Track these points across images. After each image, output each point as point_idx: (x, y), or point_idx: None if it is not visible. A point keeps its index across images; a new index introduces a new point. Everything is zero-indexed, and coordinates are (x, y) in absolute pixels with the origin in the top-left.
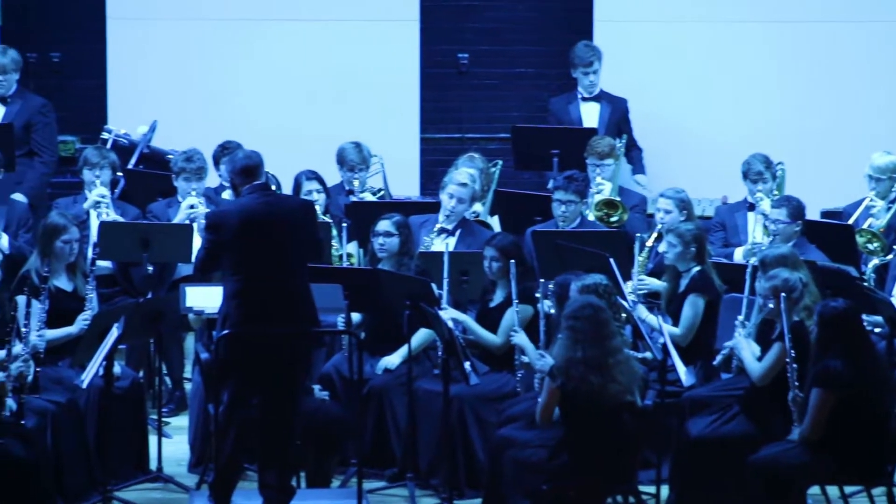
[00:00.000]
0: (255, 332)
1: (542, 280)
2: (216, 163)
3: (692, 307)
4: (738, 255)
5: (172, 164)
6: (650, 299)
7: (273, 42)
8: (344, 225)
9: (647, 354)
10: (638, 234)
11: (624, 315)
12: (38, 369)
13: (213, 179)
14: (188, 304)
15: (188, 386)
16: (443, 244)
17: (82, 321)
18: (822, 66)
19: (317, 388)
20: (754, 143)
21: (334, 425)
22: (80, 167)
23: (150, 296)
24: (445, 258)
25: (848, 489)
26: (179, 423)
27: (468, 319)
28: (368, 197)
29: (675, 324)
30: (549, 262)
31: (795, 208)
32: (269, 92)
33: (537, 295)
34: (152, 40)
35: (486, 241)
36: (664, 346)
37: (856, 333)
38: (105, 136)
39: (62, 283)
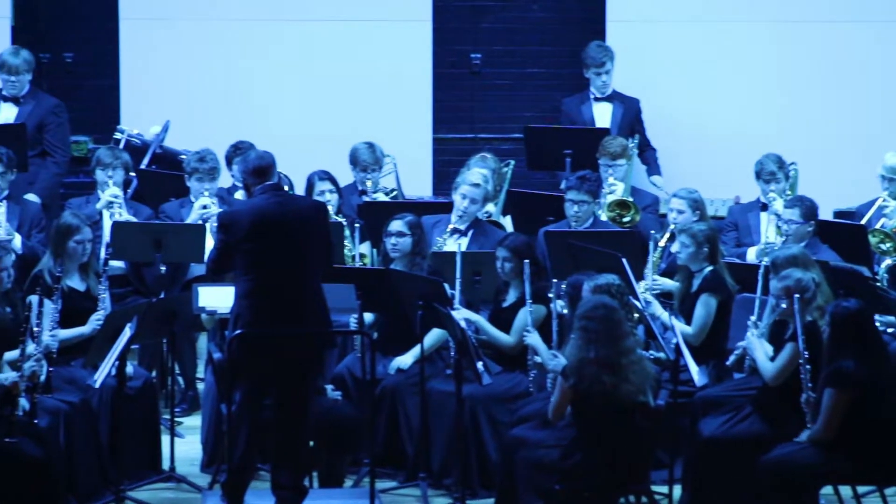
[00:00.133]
0: (268, 332)
1: (554, 280)
2: (229, 163)
3: (704, 307)
4: (751, 254)
5: (185, 165)
6: (663, 299)
7: (286, 42)
8: (357, 225)
9: (660, 354)
10: (652, 231)
11: (636, 315)
12: (50, 369)
13: (225, 179)
14: (201, 303)
15: (201, 386)
16: (455, 244)
17: (95, 321)
18: (835, 66)
19: (329, 388)
20: (767, 143)
21: (347, 425)
22: (93, 167)
23: (162, 296)
24: (458, 258)
25: (861, 489)
26: (192, 423)
27: (481, 319)
28: (381, 197)
29: (688, 324)
30: (562, 262)
31: (808, 208)
32: (281, 92)
33: (550, 295)
34: (165, 40)
35: (498, 241)
36: (677, 346)
37: (868, 333)
38: (118, 136)
39: (75, 282)
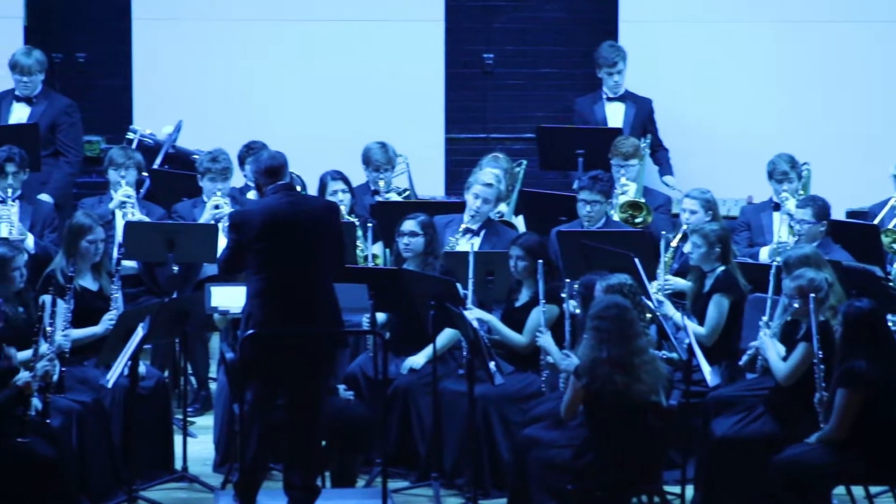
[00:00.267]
0: (281, 331)
1: (567, 280)
2: (241, 163)
3: (717, 307)
4: (764, 254)
5: (198, 165)
6: (675, 299)
7: (299, 42)
8: (370, 225)
9: (673, 354)
10: (663, 233)
11: (649, 315)
12: (63, 369)
13: (238, 179)
14: (213, 303)
15: (213, 386)
16: (468, 244)
17: (108, 321)
18: (848, 66)
19: (342, 387)
20: (780, 143)
21: (359, 425)
22: (106, 167)
23: (175, 296)
24: (471, 258)
25: (873, 489)
26: (204, 423)
27: (493, 319)
28: (394, 197)
29: (701, 324)
30: (575, 262)
31: (821, 208)
32: (294, 92)
33: (563, 295)
34: (178, 41)
35: (512, 240)
36: (689, 346)
37: (881, 333)
38: (130, 136)
39: (87, 282)
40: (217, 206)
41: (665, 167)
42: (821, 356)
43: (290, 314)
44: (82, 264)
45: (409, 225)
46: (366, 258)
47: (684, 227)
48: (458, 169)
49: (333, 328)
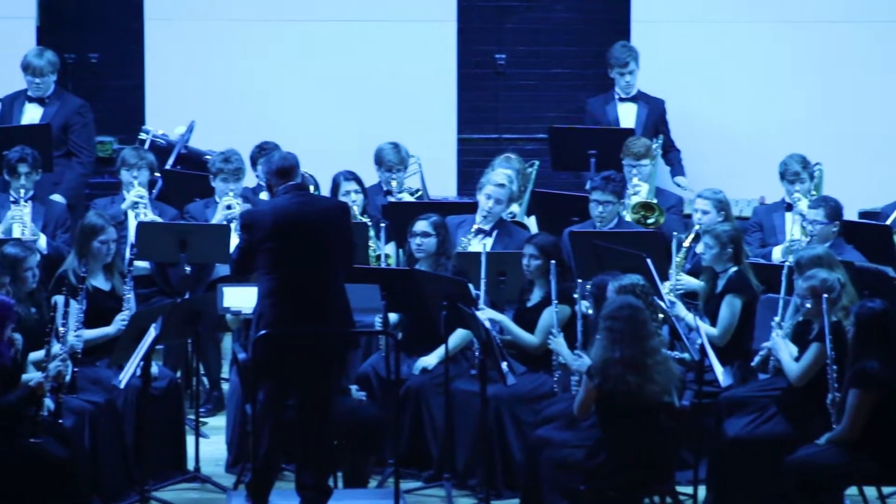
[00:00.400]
0: (293, 332)
1: (579, 280)
2: (253, 163)
3: (729, 307)
4: (777, 253)
5: (210, 165)
6: (687, 300)
7: (311, 43)
8: (383, 225)
9: (685, 355)
10: (675, 234)
11: (661, 316)
12: (75, 369)
13: (250, 180)
14: (226, 304)
15: (225, 386)
16: (480, 245)
17: (120, 321)
18: (861, 66)
19: (354, 388)
20: (792, 144)
21: (371, 425)
22: (118, 168)
23: (187, 296)
24: (483, 258)
25: (886, 490)
26: (217, 424)
27: (505, 319)
28: (406, 197)
29: (713, 324)
30: (587, 262)
31: (833, 209)
32: (307, 93)
33: (575, 296)
34: (190, 41)
35: (526, 239)
36: (701, 346)
37: (893, 334)
38: (143, 136)
39: (100, 282)
40: (229, 207)
41: (677, 168)
42: (833, 357)
43: (300, 314)
44: (94, 265)
45: (421, 225)
46: (378, 258)
47: (696, 227)
48: (470, 169)
49: (344, 328)
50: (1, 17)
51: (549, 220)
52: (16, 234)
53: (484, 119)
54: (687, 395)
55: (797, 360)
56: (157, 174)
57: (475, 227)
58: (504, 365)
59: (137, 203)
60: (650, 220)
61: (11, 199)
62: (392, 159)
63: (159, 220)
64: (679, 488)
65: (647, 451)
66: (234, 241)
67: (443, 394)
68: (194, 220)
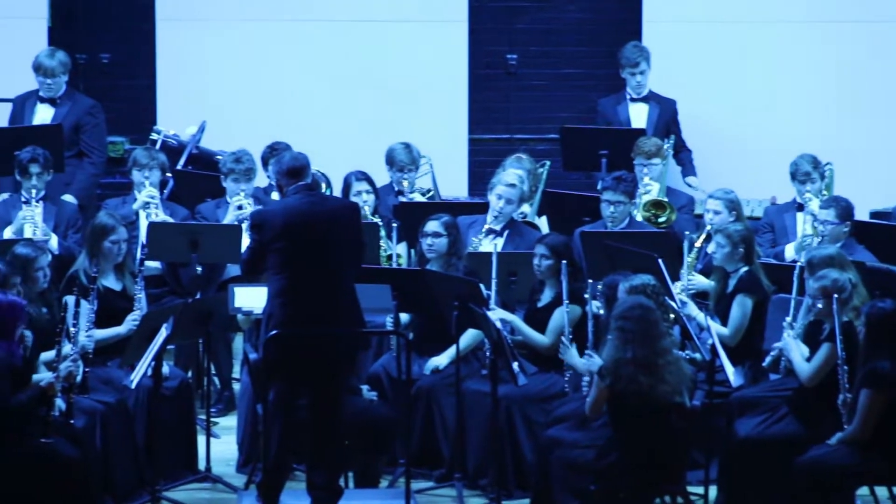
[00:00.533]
0: (304, 332)
1: (590, 281)
2: (265, 164)
3: (740, 307)
4: (790, 250)
5: (221, 165)
6: (698, 299)
7: (322, 43)
8: (394, 225)
9: (696, 355)
10: (687, 233)
11: (672, 316)
12: (86, 370)
13: (261, 180)
14: (237, 304)
15: (236, 386)
16: (491, 245)
17: (131, 321)
18: (871, 66)
19: (365, 388)
20: (803, 144)
21: (382, 425)
22: (130, 168)
23: (198, 296)
24: (494, 259)
25: None
26: (228, 424)
27: (516, 320)
28: (418, 198)
29: (724, 324)
30: (598, 262)
31: (844, 209)
32: (317, 93)
33: (586, 296)
34: (201, 41)
35: (537, 239)
36: (713, 346)
37: None
38: (154, 136)
39: (111, 282)
40: (240, 207)
41: (688, 168)
42: (844, 357)
43: (310, 314)
44: (105, 265)
45: (432, 226)
46: (389, 258)
47: (708, 227)
48: (481, 170)
49: (354, 328)
50: (12, 18)
51: (560, 220)
52: (27, 234)
53: (495, 119)
54: (698, 395)
55: (808, 360)
56: (169, 174)
57: (486, 227)
58: (515, 365)
59: (149, 203)
60: (661, 219)
61: (23, 199)
62: (403, 159)
63: (170, 220)
64: (690, 488)
65: (658, 451)
66: (246, 241)
67: (454, 394)
68: (205, 221)
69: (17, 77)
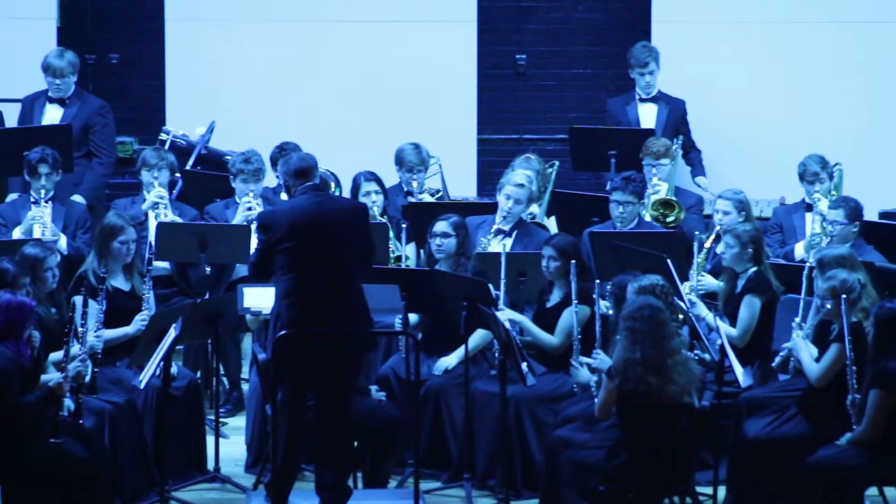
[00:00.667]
0: (313, 331)
1: (597, 281)
2: (274, 164)
3: (748, 308)
4: (799, 249)
5: (230, 166)
6: (707, 300)
7: (331, 43)
8: (403, 226)
9: (705, 355)
10: (697, 233)
11: (681, 316)
12: (95, 370)
13: (270, 180)
14: (246, 304)
15: (245, 386)
16: (500, 245)
17: (140, 321)
18: (881, 66)
19: (374, 388)
20: (812, 144)
21: (391, 426)
22: (139, 168)
23: (207, 296)
24: (502, 259)
25: None
26: (237, 424)
27: (525, 320)
28: (427, 198)
29: (733, 325)
30: (607, 262)
31: (853, 209)
32: (326, 93)
33: (594, 296)
34: (210, 42)
35: (544, 240)
36: (721, 346)
37: None
38: (163, 137)
39: (119, 283)
40: (250, 208)
41: (697, 168)
42: (852, 357)
43: (317, 314)
44: (114, 265)
45: (441, 226)
46: (398, 259)
47: (717, 227)
48: (490, 170)
49: (361, 328)
50: (22, 18)
51: (569, 220)
52: (36, 234)
53: (504, 119)
54: (707, 396)
55: (817, 360)
56: (178, 175)
57: (495, 227)
58: (524, 365)
59: (158, 203)
60: (670, 218)
61: (32, 199)
62: (413, 160)
63: (179, 220)
64: (699, 489)
65: (666, 451)
66: (255, 241)
67: (463, 394)
68: (214, 221)
69: (26, 77)
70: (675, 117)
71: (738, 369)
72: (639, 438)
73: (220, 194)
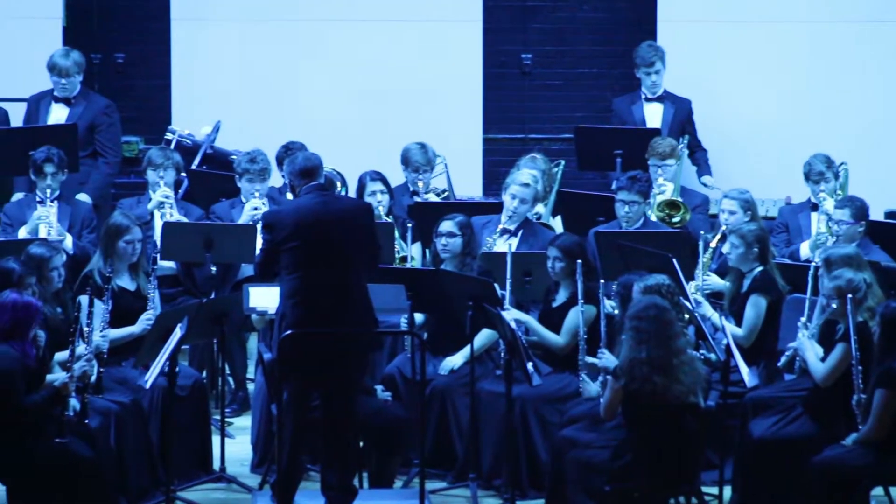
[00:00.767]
0: (320, 331)
1: (602, 281)
2: (279, 164)
3: (754, 308)
4: (805, 249)
5: (236, 165)
6: (713, 300)
7: (337, 43)
8: (409, 225)
9: (711, 355)
10: (702, 233)
11: (687, 316)
12: (101, 370)
13: (276, 180)
14: (251, 304)
15: (251, 386)
16: (505, 245)
17: (145, 321)
18: (887, 66)
19: (379, 388)
20: (818, 143)
21: (397, 426)
22: (144, 168)
23: (213, 296)
24: (508, 259)
25: None
26: (242, 424)
27: (531, 320)
28: (432, 198)
29: (738, 325)
30: (612, 262)
31: (859, 209)
32: (332, 93)
33: (600, 295)
34: (216, 41)
35: (549, 241)
36: (727, 346)
37: None
38: (169, 136)
39: (125, 282)
40: (255, 207)
41: (703, 168)
42: (858, 357)
43: (322, 314)
44: (119, 264)
45: (446, 226)
46: (403, 259)
47: (723, 227)
48: (495, 169)
49: (366, 328)
50: (27, 18)
51: (575, 220)
52: (42, 234)
53: (510, 119)
54: (712, 396)
55: (823, 360)
56: (183, 174)
57: (500, 227)
58: (529, 365)
59: (163, 203)
60: (675, 219)
61: (38, 199)
62: (419, 160)
63: (185, 220)
64: (704, 489)
65: (672, 451)
66: (260, 242)
67: (468, 394)
68: (220, 221)
69: (31, 77)
70: (681, 117)
71: (744, 369)
72: (644, 438)
73: (226, 194)
